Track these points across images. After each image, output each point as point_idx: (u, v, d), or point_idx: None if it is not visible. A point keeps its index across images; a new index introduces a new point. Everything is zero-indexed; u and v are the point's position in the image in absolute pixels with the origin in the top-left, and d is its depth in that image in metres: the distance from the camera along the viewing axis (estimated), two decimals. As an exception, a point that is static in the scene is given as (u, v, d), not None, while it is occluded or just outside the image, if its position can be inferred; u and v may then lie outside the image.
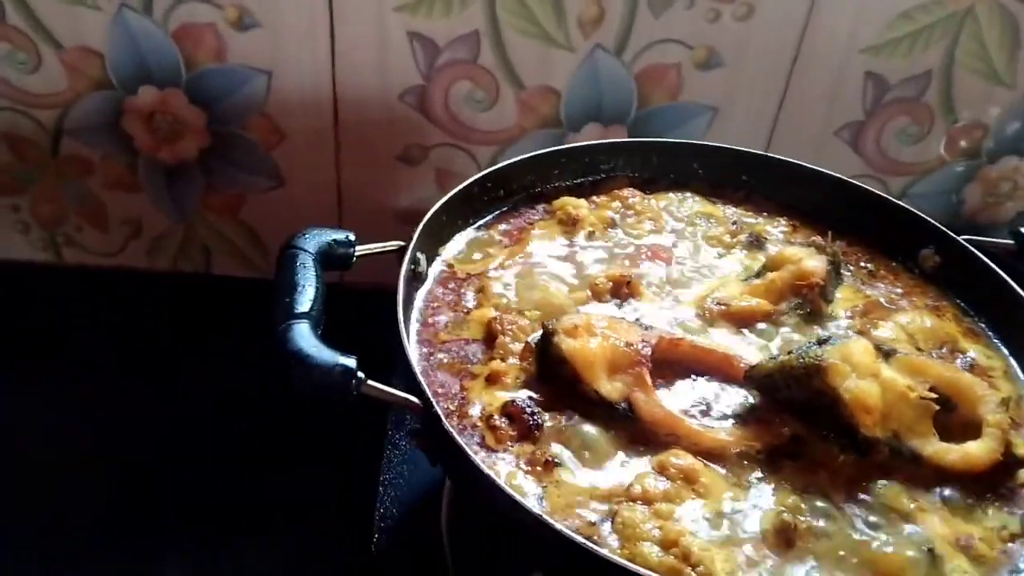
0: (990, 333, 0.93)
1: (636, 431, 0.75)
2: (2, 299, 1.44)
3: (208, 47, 1.24)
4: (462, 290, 0.90)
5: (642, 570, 0.58)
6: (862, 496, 0.73)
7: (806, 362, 0.74)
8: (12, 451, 1.25)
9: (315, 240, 0.79)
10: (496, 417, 0.74)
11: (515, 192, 1.03)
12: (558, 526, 0.61)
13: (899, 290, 0.97)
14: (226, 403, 1.28)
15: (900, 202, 1.03)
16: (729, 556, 0.65)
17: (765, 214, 1.06)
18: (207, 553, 1.12)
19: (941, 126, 1.35)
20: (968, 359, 0.87)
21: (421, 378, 0.70)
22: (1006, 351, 0.91)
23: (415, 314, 0.85)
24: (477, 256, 0.95)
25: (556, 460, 0.72)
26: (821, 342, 0.77)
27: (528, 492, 0.69)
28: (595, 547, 0.60)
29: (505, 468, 0.71)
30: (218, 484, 1.16)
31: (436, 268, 0.92)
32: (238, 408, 1.28)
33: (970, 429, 0.78)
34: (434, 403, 0.68)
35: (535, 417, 0.74)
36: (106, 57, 1.25)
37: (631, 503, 0.68)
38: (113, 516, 1.17)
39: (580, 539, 0.60)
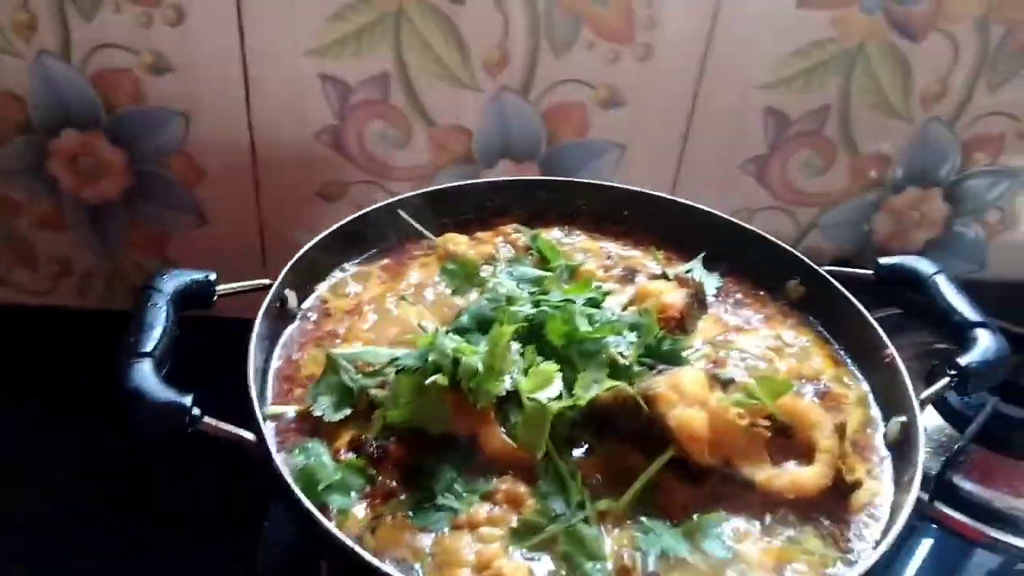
0: (848, 360, 0.96)
1: (478, 465, 0.77)
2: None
3: (126, 91, 1.28)
4: (332, 326, 0.93)
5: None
6: (693, 521, 0.75)
7: (637, 392, 0.76)
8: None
9: (172, 281, 0.82)
10: (343, 451, 0.77)
11: (400, 229, 1.07)
12: (368, 557, 0.63)
13: (761, 316, 1.00)
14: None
15: (766, 235, 1.07)
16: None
17: (642, 248, 1.09)
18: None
19: (844, 158, 1.40)
20: (822, 385, 0.90)
21: (259, 415, 0.73)
22: (862, 377, 0.94)
23: (279, 350, 0.88)
24: (353, 291, 0.98)
25: (394, 492, 0.74)
26: (658, 372, 0.80)
27: (360, 520, 0.72)
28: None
29: (343, 498, 0.74)
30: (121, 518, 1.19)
31: (309, 303, 0.95)
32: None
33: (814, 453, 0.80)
34: (266, 439, 0.71)
35: (380, 450, 0.76)
36: (28, 102, 1.28)
37: (456, 530, 0.71)
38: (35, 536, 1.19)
39: (386, 569, 0.63)
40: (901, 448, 0.84)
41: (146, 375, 0.71)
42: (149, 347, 0.74)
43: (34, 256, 1.46)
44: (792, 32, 1.27)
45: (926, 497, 1.07)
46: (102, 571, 1.17)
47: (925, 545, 1.10)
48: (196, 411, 0.70)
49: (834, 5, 1.24)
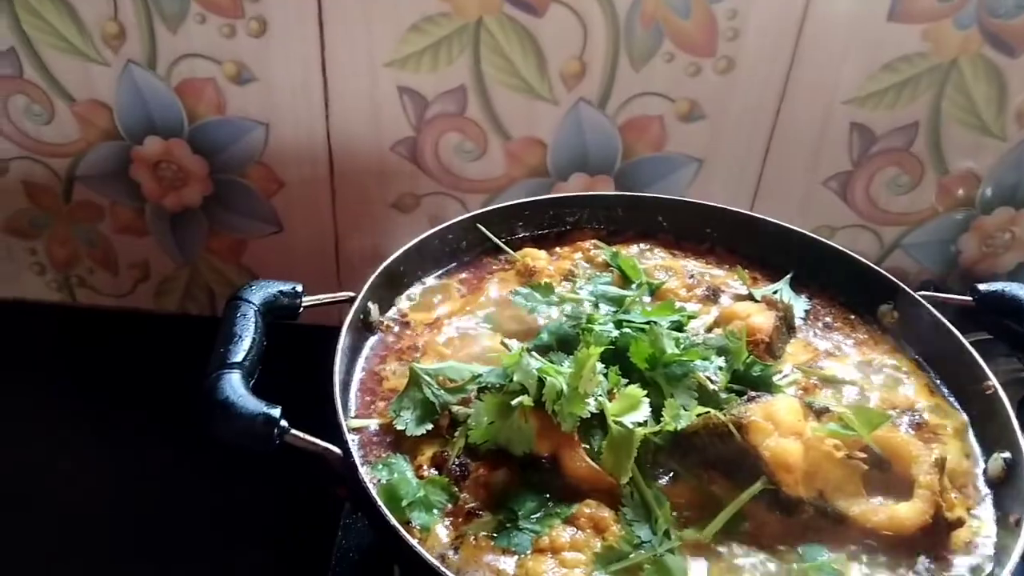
0: (945, 390, 0.92)
1: (560, 486, 0.76)
2: (19, 336, 1.51)
3: (208, 100, 1.30)
4: (413, 339, 0.92)
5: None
6: (786, 552, 0.73)
7: (729, 419, 0.74)
8: (17, 476, 1.30)
9: (261, 292, 0.82)
10: (425, 467, 0.76)
11: (479, 243, 1.06)
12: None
13: (852, 341, 0.97)
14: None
15: (858, 256, 1.03)
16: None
17: (727, 267, 1.07)
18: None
19: (932, 176, 1.35)
20: (917, 416, 0.86)
21: (345, 428, 0.73)
22: (959, 407, 0.90)
23: (361, 362, 0.88)
24: (433, 304, 0.97)
25: (477, 511, 0.73)
26: (750, 399, 0.77)
27: (442, 538, 0.71)
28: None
29: (426, 515, 0.73)
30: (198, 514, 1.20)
31: (390, 316, 0.95)
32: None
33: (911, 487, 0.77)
34: (353, 453, 0.71)
35: (462, 468, 0.75)
36: (114, 109, 1.32)
37: (539, 553, 0.69)
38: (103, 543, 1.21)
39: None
40: (1005, 485, 0.80)
41: (235, 386, 0.71)
42: (239, 358, 0.74)
43: (115, 260, 1.49)
44: (881, 45, 1.22)
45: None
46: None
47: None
48: (284, 423, 0.70)
49: (926, 18, 1.20)
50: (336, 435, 0.73)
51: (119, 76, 1.28)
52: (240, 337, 0.76)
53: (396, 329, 0.94)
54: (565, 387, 0.74)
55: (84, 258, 1.49)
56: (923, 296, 0.96)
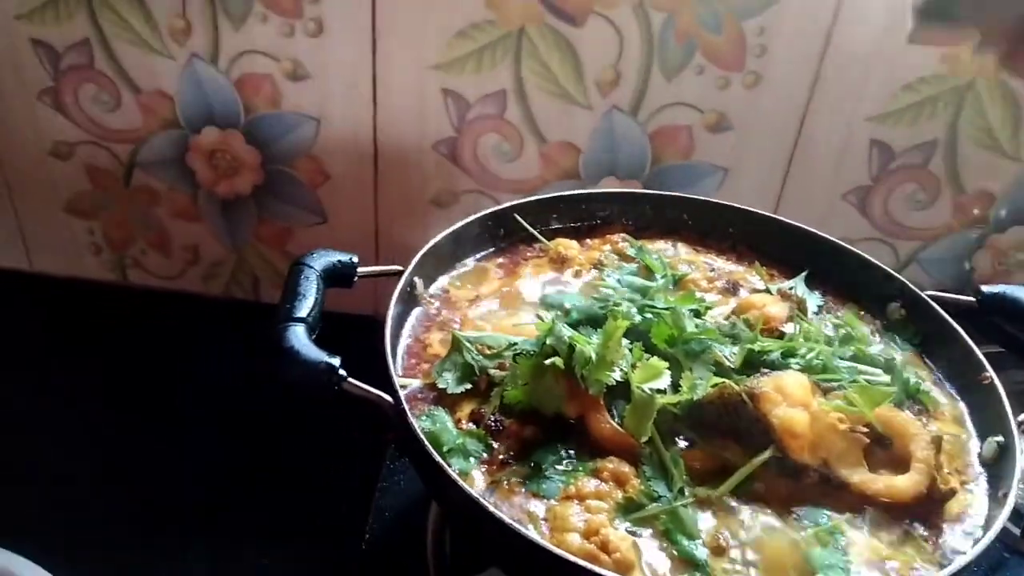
0: (947, 383, 0.99)
1: (585, 446, 0.83)
2: (73, 314, 1.59)
3: (265, 94, 1.38)
4: (453, 313, 1.00)
5: (557, 550, 0.67)
6: (794, 512, 0.79)
7: (742, 389, 0.81)
8: (56, 460, 1.36)
9: (321, 259, 0.91)
10: (463, 421, 0.84)
11: (515, 232, 1.14)
12: (491, 508, 0.70)
13: (861, 336, 1.04)
14: (267, 419, 1.38)
15: (870, 258, 1.10)
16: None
17: (746, 264, 1.14)
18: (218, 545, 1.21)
19: (948, 194, 1.40)
20: (918, 404, 0.93)
21: (395, 378, 0.81)
22: (958, 397, 0.96)
23: (407, 329, 0.96)
24: (472, 284, 1.05)
25: (510, 460, 0.81)
26: (763, 374, 0.84)
27: (478, 483, 0.78)
28: (520, 527, 0.69)
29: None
30: (241, 490, 1.27)
31: (433, 291, 1.03)
32: (278, 424, 1.37)
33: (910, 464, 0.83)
34: (403, 400, 0.78)
35: (497, 424, 0.83)
36: (176, 100, 1.40)
37: (566, 500, 0.77)
38: (139, 514, 1.27)
39: (508, 520, 0.69)
40: (997, 466, 0.86)
41: (300, 336, 0.80)
42: (303, 313, 0.83)
43: (168, 243, 1.58)
44: (902, 66, 1.28)
45: (1018, 532, 1.07)
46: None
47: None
48: (343, 372, 0.78)
49: (946, 43, 1.26)
50: (387, 386, 0.81)
51: (183, 69, 1.37)
52: (304, 296, 0.85)
53: (438, 304, 1.02)
54: (593, 355, 0.81)
55: (139, 240, 1.58)
56: (928, 295, 1.02)
